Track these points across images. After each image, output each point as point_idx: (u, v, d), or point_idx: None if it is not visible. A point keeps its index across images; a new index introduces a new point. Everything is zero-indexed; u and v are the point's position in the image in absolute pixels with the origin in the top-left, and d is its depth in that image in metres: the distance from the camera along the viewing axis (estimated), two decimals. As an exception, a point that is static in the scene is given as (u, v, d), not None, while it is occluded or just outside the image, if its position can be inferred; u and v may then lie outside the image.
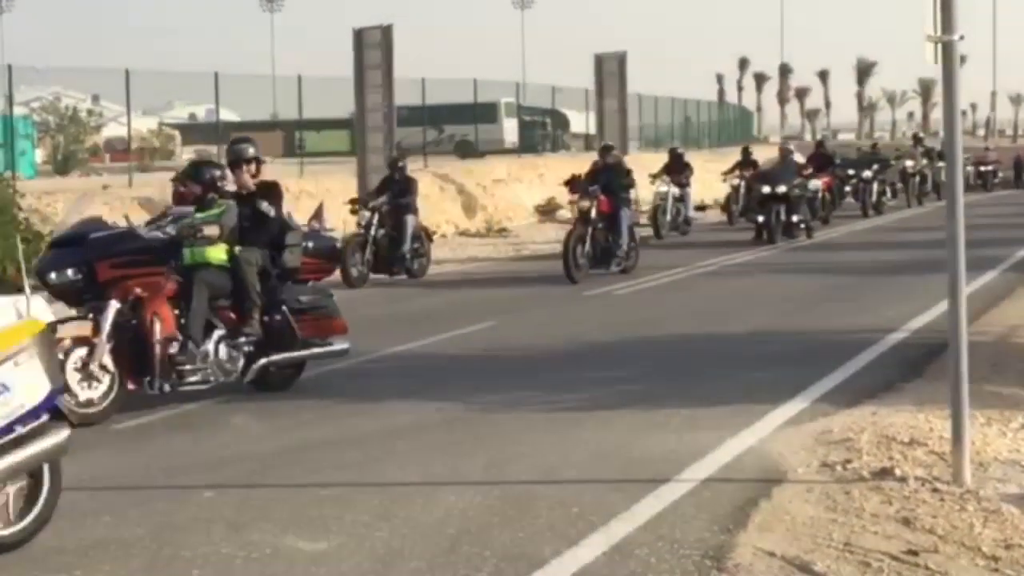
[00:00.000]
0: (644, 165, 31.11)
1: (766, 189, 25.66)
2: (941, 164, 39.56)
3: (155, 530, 6.95)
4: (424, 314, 16.42)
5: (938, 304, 14.37)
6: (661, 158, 32.21)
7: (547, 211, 34.52)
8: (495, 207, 33.34)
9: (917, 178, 38.72)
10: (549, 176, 36.74)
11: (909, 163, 38.21)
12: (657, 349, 13.10)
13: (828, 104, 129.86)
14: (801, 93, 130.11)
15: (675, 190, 28.56)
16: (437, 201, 31.17)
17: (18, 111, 30.79)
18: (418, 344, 13.66)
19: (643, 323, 14.95)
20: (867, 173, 33.94)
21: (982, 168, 47.41)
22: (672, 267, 20.88)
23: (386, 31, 23.44)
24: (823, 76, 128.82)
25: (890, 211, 34.72)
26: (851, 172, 34.25)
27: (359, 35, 23.72)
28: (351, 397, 10.79)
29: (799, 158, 29.65)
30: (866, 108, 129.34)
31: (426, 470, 8.12)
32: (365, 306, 17.38)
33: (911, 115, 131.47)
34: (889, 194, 35.84)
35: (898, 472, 7.56)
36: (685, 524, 6.75)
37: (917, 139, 41.91)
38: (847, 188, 34.03)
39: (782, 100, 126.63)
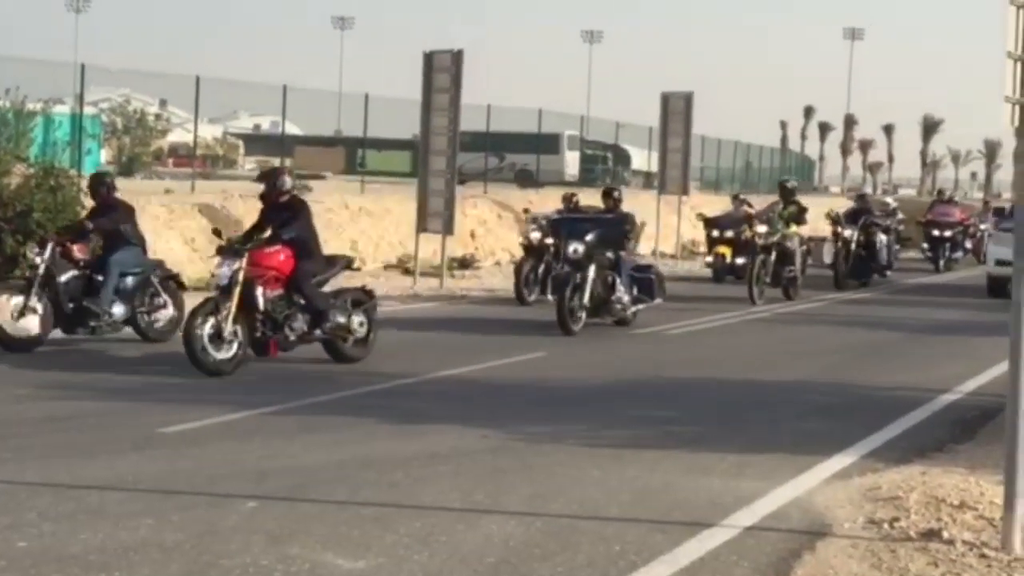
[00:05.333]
0: (697, 207, 31.04)
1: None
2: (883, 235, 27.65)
3: (196, 536, 6.96)
4: (472, 340, 16.39)
5: (991, 367, 14.26)
6: (719, 201, 31.99)
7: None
8: (551, 238, 33.28)
9: (845, 252, 26.47)
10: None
11: (848, 233, 26.33)
12: (706, 391, 13.02)
13: (891, 158, 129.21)
14: (865, 145, 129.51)
15: None
16: (494, 227, 31.19)
17: (87, 111, 31.06)
18: (466, 369, 13.65)
19: (693, 364, 14.87)
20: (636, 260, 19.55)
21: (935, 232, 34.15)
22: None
23: (456, 56, 23.46)
24: (888, 130, 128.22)
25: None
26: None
27: (429, 58, 23.76)
28: (396, 418, 10.78)
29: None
30: (929, 165, 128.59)
31: (468, 496, 8.09)
32: (425, 325, 17.39)
33: (974, 175, 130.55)
34: None
35: (946, 535, 7.45)
36: (727, 571, 6.69)
37: (860, 197, 31.03)
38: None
39: (845, 151, 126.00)
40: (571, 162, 49.55)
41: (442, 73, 23.66)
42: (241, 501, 7.76)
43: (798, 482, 8.77)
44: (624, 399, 12.34)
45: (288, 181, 14.21)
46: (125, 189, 25.12)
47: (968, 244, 36.10)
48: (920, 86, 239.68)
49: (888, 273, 28.74)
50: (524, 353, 14.95)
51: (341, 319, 13.75)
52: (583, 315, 17.15)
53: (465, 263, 27.25)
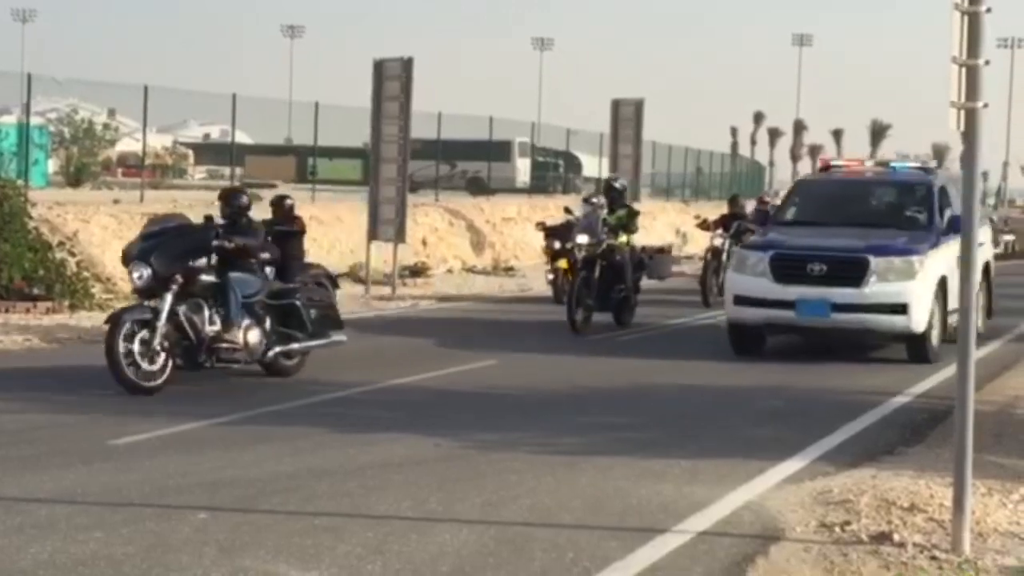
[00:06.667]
0: (649, 212, 31.04)
1: None
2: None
3: (146, 549, 6.90)
4: (427, 348, 16.37)
5: (940, 370, 14.38)
6: (671, 207, 31.96)
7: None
8: (503, 245, 33.36)
9: (716, 264, 22.84)
10: (559, 217, 36.72)
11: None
12: (658, 397, 13.05)
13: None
14: (814, 150, 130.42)
15: None
16: (445, 235, 31.21)
17: (34, 121, 30.83)
18: (419, 377, 13.62)
19: (644, 371, 14.90)
20: None
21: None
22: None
23: (407, 64, 23.44)
24: (837, 135, 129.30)
25: None
26: None
27: (379, 66, 23.71)
28: (349, 427, 10.74)
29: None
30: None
31: (422, 505, 8.07)
32: (376, 333, 17.36)
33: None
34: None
35: (897, 537, 7.50)
36: (680, 576, 6.69)
37: (732, 200, 25.99)
38: None
39: (795, 156, 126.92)
40: (522, 169, 49.59)
41: (392, 81, 23.65)
42: (192, 512, 7.70)
43: (750, 487, 8.80)
44: (575, 406, 12.35)
45: None
46: (73, 199, 25.00)
47: None
48: (868, 91, 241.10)
49: None
50: (476, 361, 14.93)
51: None
52: (164, 363, 12.08)
53: (417, 271, 27.24)
